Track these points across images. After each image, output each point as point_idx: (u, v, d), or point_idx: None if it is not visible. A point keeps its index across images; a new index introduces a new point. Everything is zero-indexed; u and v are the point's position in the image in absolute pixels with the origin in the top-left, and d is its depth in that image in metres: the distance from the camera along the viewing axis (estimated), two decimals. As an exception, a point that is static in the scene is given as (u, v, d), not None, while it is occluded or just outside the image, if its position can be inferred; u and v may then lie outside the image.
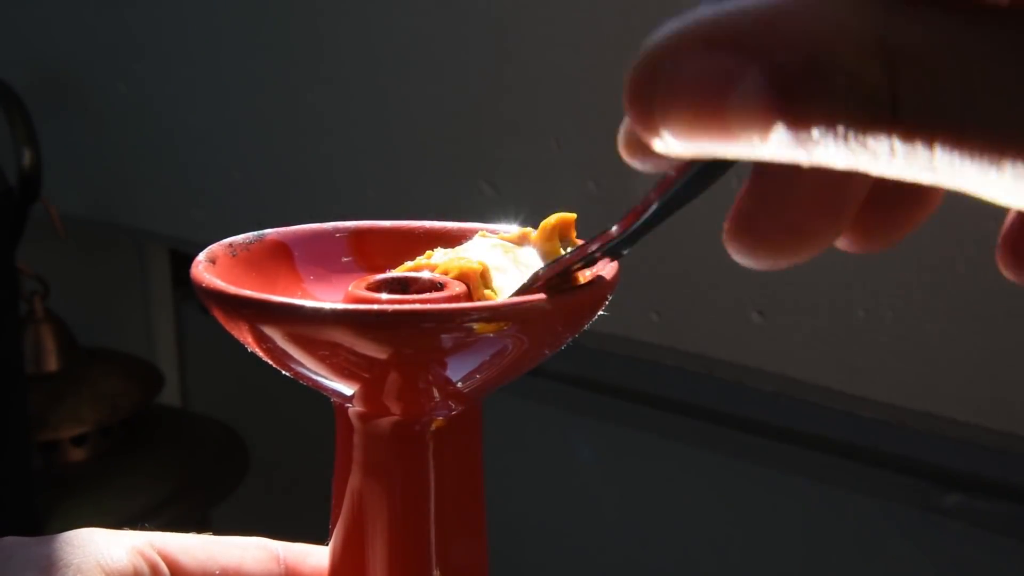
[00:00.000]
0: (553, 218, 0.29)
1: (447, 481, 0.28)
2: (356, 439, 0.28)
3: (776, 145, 0.18)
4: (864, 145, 0.17)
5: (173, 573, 0.28)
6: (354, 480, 0.28)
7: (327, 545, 0.30)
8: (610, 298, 0.27)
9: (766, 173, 0.22)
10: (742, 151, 0.18)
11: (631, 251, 0.26)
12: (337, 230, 0.32)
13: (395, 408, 0.27)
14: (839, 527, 0.75)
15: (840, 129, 0.17)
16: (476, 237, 0.31)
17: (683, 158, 0.20)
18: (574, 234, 0.30)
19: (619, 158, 0.23)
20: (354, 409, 0.28)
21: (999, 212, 0.51)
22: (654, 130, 0.19)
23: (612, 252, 0.26)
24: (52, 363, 0.84)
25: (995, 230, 0.51)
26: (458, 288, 0.28)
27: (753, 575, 0.80)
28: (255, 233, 0.30)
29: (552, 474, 0.88)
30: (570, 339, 0.28)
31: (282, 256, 0.31)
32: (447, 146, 0.71)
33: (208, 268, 0.28)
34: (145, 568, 0.27)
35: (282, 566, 0.30)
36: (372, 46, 0.74)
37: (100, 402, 0.84)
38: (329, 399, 0.28)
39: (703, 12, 0.18)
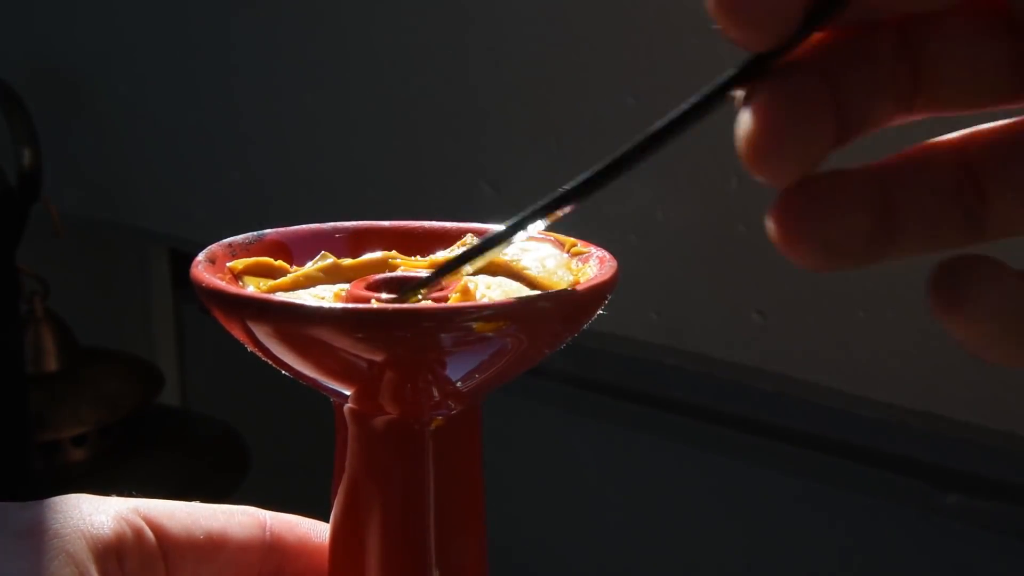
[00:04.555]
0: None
1: (447, 481, 0.28)
2: (356, 439, 0.28)
3: None
4: None
5: (158, 538, 0.28)
6: (354, 480, 0.28)
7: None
8: (609, 297, 0.27)
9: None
10: None
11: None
12: (336, 230, 0.32)
13: (394, 408, 0.27)
14: (839, 527, 0.75)
15: None
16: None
17: None
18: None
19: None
20: (353, 409, 0.28)
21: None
22: None
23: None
24: (52, 363, 0.84)
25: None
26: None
27: (753, 575, 0.80)
28: (255, 233, 0.31)
29: (552, 474, 0.88)
30: (569, 338, 0.28)
31: (281, 256, 0.31)
32: (447, 146, 0.71)
33: (208, 268, 0.28)
34: (129, 534, 0.27)
35: (268, 534, 0.30)
36: (372, 46, 0.74)
37: (100, 402, 0.84)
38: (329, 399, 0.28)
39: None
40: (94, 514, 0.27)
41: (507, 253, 0.31)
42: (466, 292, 0.27)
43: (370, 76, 0.75)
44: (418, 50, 0.72)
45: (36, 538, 0.26)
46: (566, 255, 0.30)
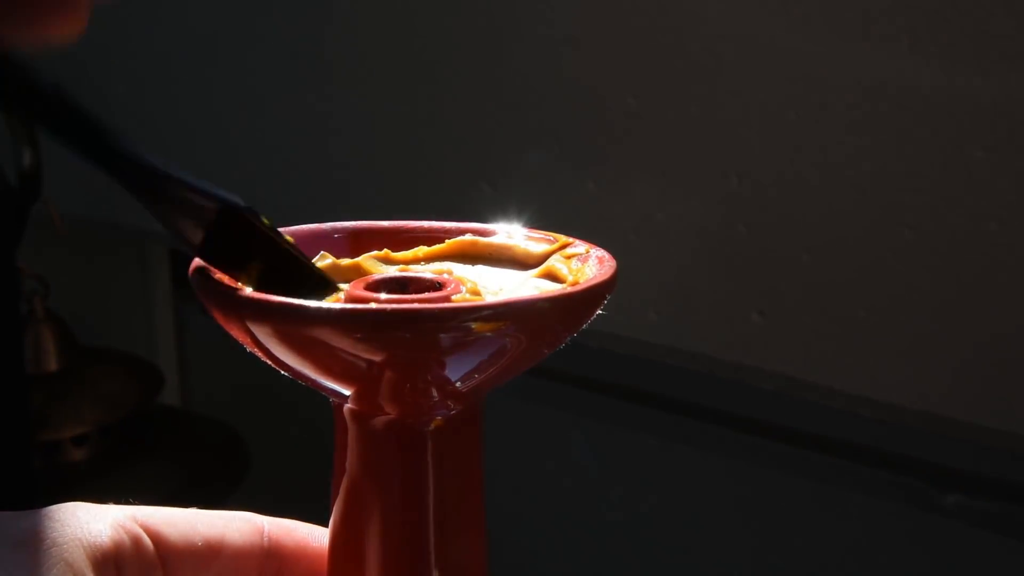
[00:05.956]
0: None
1: (447, 481, 0.28)
2: (355, 439, 0.28)
3: None
4: None
5: (157, 546, 0.28)
6: (353, 480, 0.28)
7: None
8: (609, 297, 0.27)
9: None
10: None
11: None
12: (335, 230, 0.32)
13: (394, 408, 0.27)
14: (839, 527, 0.75)
15: None
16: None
17: None
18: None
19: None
20: (353, 409, 0.28)
21: (999, 214, 0.51)
22: None
23: None
24: (52, 363, 0.84)
25: (995, 231, 0.52)
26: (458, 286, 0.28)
27: (753, 575, 0.80)
28: (255, 233, 0.30)
29: (552, 474, 0.88)
30: (569, 338, 0.28)
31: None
32: (447, 146, 0.71)
33: (208, 268, 0.28)
34: (127, 542, 0.27)
35: (266, 539, 0.30)
36: (372, 46, 0.74)
37: (100, 402, 0.84)
38: (329, 399, 0.28)
39: None
40: (92, 522, 0.27)
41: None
42: (471, 291, 0.27)
43: (370, 76, 0.75)
44: (418, 50, 0.72)
45: (34, 547, 0.25)
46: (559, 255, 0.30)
